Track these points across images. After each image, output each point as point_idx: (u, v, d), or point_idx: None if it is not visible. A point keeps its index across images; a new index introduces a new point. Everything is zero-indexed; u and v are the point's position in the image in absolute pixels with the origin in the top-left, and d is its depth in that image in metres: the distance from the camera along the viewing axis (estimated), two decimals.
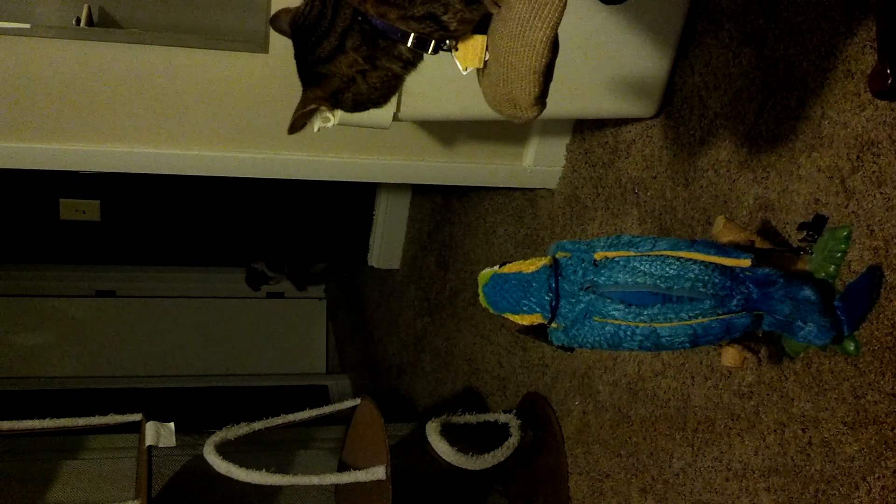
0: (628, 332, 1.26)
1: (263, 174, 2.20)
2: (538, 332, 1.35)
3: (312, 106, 1.18)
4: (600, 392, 2.12)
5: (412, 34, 1.10)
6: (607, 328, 1.27)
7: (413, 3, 1.07)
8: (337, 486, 2.44)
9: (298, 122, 1.19)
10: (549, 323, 1.31)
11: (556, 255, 1.33)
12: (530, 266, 1.30)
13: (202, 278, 4.70)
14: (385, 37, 1.11)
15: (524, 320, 1.32)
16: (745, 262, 1.28)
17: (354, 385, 4.47)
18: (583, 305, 1.27)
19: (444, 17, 1.09)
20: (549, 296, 1.28)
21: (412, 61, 1.15)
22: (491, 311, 1.35)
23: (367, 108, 1.20)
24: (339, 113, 1.30)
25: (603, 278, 1.27)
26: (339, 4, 1.11)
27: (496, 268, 1.34)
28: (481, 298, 1.36)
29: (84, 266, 4.51)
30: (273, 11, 1.80)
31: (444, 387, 3.16)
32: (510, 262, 1.33)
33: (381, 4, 1.08)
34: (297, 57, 1.18)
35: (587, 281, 1.28)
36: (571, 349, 1.35)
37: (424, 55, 1.14)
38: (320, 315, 4.95)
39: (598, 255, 1.29)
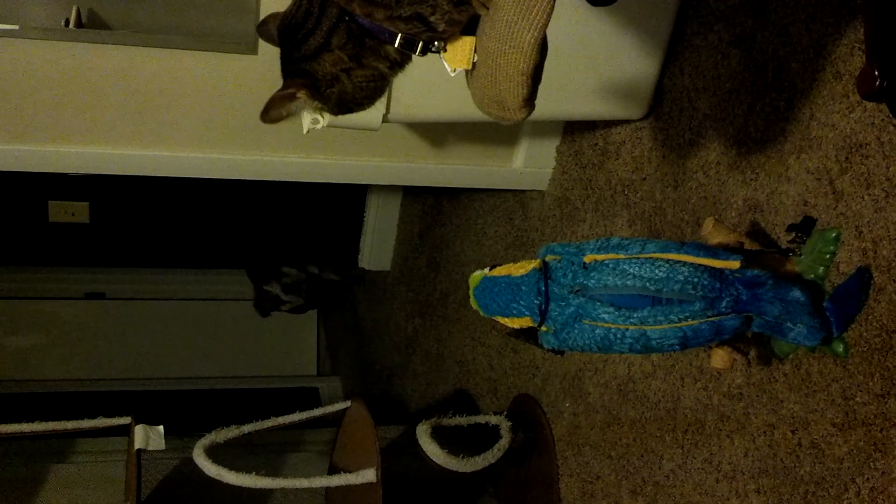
0: (618, 335, 1.26)
1: (253, 176, 2.19)
2: (528, 335, 1.35)
3: (291, 90, 1.14)
4: (591, 394, 2.12)
5: (399, 34, 1.09)
6: (597, 331, 1.27)
7: (400, 3, 1.07)
8: (328, 489, 2.43)
9: (273, 109, 1.14)
10: (539, 326, 1.31)
11: (546, 258, 1.33)
12: (520, 269, 1.30)
13: (192, 280, 4.68)
14: (372, 36, 1.10)
15: (514, 323, 1.32)
16: (734, 264, 1.28)
17: (345, 387, 4.46)
18: (573, 308, 1.27)
19: (432, 18, 1.09)
20: (538, 299, 1.28)
21: (400, 62, 1.15)
22: (481, 313, 1.35)
23: (352, 110, 1.19)
24: (328, 115, 1.29)
25: (592, 281, 1.27)
26: (325, 3, 1.10)
27: (486, 270, 1.34)
28: (472, 301, 1.36)
29: (74, 268, 4.49)
30: (262, 13, 1.81)
31: (435, 389, 3.16)
32: (500, 265, 1.33)
33: (368, 4, 1.08)
34: (282, 55, 1.18)
35: (577, 284, 1.28)
36: (562, 352, 1.35)
37: (412, 56, 1.14)
38: (311, 317, 4.94)
39: (588, 258, 1.29)
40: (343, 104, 1.17)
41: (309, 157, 2.20)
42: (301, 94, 1.14)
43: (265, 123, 1.16)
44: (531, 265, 1.31)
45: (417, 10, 1.07)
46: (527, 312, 1.29)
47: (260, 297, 4.24)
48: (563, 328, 1.29)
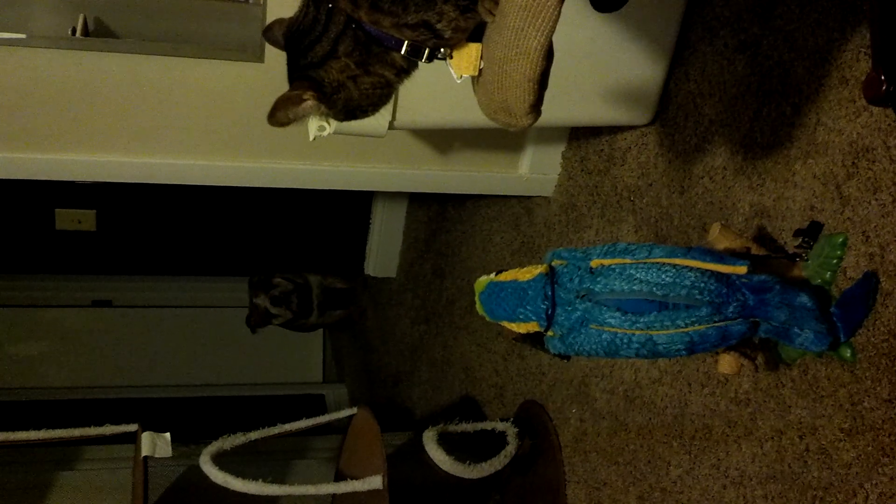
0: (625, 340, 1.26)
1: (259, 183, 2.20)
2: (535, 340, 1.34)
3: (297, 92, 1.14)
4: (597, 400, 2.11)
5: (406, 42, 1.10)
6: (604, 336, 1.27)
7: (407, 10, 1.07)
8: (334, 496, 2.43)
9: (280, 111, 1.14)
10: (546, 331, 1.31)
11: (553, 263, 1.33)
12: (526, 274, 1.30)
13: (198, 288, 4.68)
14: (379, 43, 1.11)
15: (520, 328, 1.32)
16: (741, 269, 1.28)
17: (351, 394, 4.46)
18: (579, 313, 1.27)
19: (439, 26, 1.09)
20: (544, 304, 1.27)
21: (406, 69, 1.15)
22: (487, 318, 1.35)
23: (358, 117, 1.19)
24: (335, 122, 1.29)
25: (599, 286, 1.27)
26: (332, 11, 1.11)
27: (492, 275, 1.34)
28: (478, 306, 1.36)
29: (80, 276, 4.50)
30: (268, 21, 1.81)
31: (441, 395, 3.16)
32: (506, 270, 1.33)
33: (375, 12, 1.08)
34: (288, 62, 1.18)
35: (583, 289, 1.28)
36: (568, 357, 1.35)
37: (419, 63, 1.14)
38: None
39: (595, 263, 1.29)
40: (349, 111, 1.17)
41: (315, 165, 2.20)
42: (308, 97, 1.14)
43: (271, 125, 1.16)
44: (538, 270, 1.31)
45: (424, 17, 1.08)
46: (533, 317, 1.29)
47: (250, 311, 4.00)
48: (570, 333, 1.28)
